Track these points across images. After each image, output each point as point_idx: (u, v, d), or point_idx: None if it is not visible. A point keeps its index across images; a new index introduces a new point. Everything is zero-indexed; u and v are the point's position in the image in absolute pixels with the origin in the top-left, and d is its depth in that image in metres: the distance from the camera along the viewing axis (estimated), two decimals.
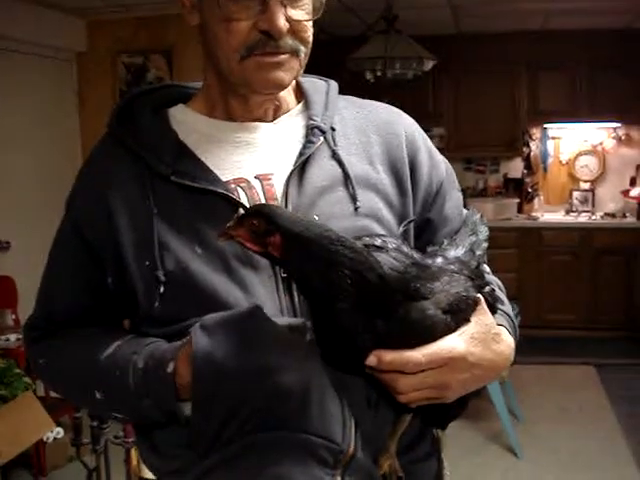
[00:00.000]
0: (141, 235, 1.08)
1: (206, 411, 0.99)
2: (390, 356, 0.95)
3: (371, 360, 0.95)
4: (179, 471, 1.06)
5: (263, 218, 0.93)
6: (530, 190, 6.61)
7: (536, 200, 6.60)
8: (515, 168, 6.72)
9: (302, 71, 1.13)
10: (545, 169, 6.68)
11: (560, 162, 6.66)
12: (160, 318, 1.08)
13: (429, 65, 4.49)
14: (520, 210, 6.52)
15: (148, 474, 1.19)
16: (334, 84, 1.24)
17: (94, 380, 1.11)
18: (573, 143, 6.60)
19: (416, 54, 4.35)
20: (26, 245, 4.15)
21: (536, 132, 6.60)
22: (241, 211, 0.94)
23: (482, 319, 1.03)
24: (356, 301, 0.92)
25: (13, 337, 3.88)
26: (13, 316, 4.25)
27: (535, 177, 6.66)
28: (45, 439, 3.65)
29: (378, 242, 1.02)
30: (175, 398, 1.03)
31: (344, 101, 1.23)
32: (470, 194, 6.55)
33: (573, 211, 6.49)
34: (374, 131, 1.19)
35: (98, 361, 1.09)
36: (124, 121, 1.15)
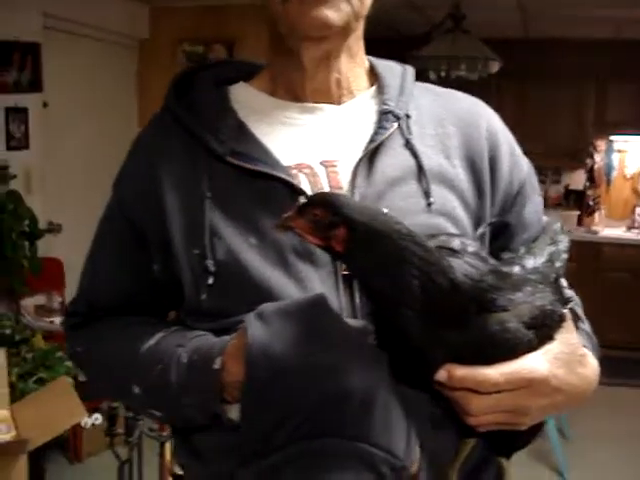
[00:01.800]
0: (191, 220, 0.99)
1: (258, 410, 0.89)
2: (463, 372, 0.84)
3: (441, 375, 0.84)
4: (220, 477, 0.95)
5: (327, 208, 0.82)
6: (591, 203, 6.42)
7: (597, 214, 6.40)
8: (577, 180, 6.54)
9: (358, 23, 1.03)
10: (608, 182, 6.47)
11: (625, 176, 6.45)
12: (207, 312, 0.99)
13: (495, 67, 4.35)
14: (580, 223, 6.33)
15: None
16: (411, 69, 1.13)
17: (132, 373, 1.02)
18: (639, 157, 6.37)
19: (483, 55, 4.21)
20: (76, 228, 4.13)
21: (601, 144, 6.40)
22: (302, 200, 0.84)
23: (568, 338, 0.92)
24: (424, 308, 0.82)
25: (58, 320, 3.86)
26: (60, 299, 4.24)
27: (597, 190, 6.46)
28: (83, 424, 3.63)
29: (456, 243, 0.91)
30: (220, 399, 0.93)
31: (421, 88, 1.12)
32: None
33: (635, 227, 6.26)
34: (453, 122, 1.08)
35: (138, 353, 1.01)
36: (182, 96, 1.06)
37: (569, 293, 1.09)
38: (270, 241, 0.96)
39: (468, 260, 0.87)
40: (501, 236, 1.09)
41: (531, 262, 0.98)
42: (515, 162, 1.10)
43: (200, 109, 1.04)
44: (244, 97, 1.07)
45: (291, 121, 1.05)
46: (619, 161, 6.44)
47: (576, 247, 5.33)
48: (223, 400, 0.93)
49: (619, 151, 6.41)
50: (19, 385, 3.28)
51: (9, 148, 3.92)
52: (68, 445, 3.77)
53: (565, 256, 1.05)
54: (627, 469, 3.89)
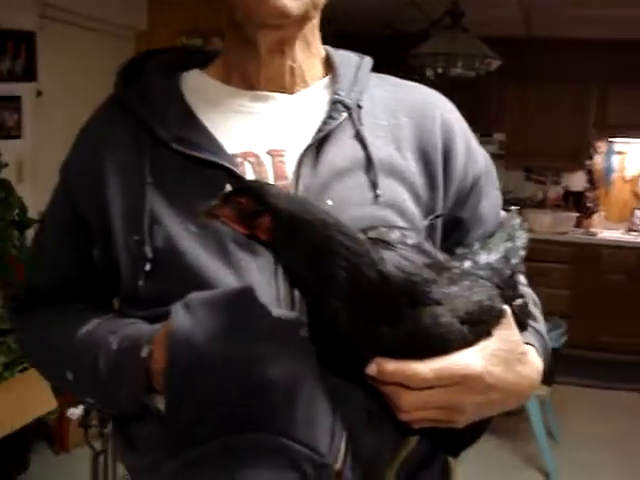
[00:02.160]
0: (131, 206, 0.97)
1: (180, 401, 0.87)
2: (393, 366, 0.82)
3: (371, 369, 0.82)
4: (151, 469, 0.94)
5: (252, 196, 0.81)
6: (590, 205, 6.38)
7: (596, 216, 6.37)
8: (577, 181, 6.50)
9: (316, 12, 1.01)
10: (608, 185, 6.43)
11: (624, 178, 6.41)
12: (144, 299, 0.97)
13: (494, 65, 4.33)
14: (578, 225, 6.28)
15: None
16: (368, 59, 1.11)
17: (66, 359, 1.02)
18: (639, 159, 6.33)
19: (481, 53, 4.19)
20: None
21: (601, 146, 6.36)
22: (228, 187, 0.83)
23: (507, 334, 0.89)
24: (352, 299, 0.79)
25: None
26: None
27: (597, 192, 6.43)
28: (69, 415, 3.62)
29: (395, 235, 0.89)
30: (146, 387, 0.92)
31: (377, 79, 1.10)
32: (528, 204, 6.34)
33: (634, 230, 6.21)
34: (406, 113, 1.06)
35: (72, 338, 1.00)
36: (131, 82, 1.05)
37: (525, 290, 1.07)
38: (210, 229, 0.94)
39: (403, 253, 0.85)
40: (455, 231, 1.07)
41: (484, 257, 0.96)
42: (470, 155, 1.08)
43: (147, 95, 1.02)
44: (197, 84, 1.06)
45: (242, 109, 1.03)
46: (619, 163, 6.39)
47: (574, 249, 5.33)
48: (152, 390, 0.92)
49: (619, 153, 6.36)
50: (5, 374, 3.28)
51: (1, 137, 3.91)
52: (54, 436, 3.76)
53: (522, 253, 1.02)
54: (616, 471, 3.86)
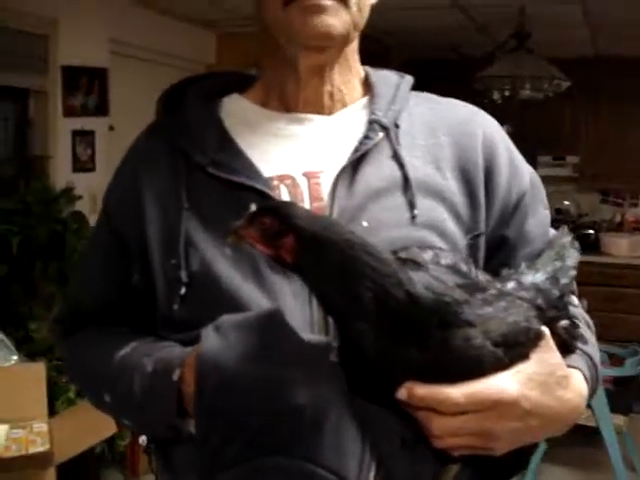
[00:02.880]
0: (169, 230, 0.99)
1: (208, 424, 0.87)
2: (423, 390, 0.79)
3: (401, 393, 0.80)
4: None
5: (276, 216, 0.80)
6: None
7: None
8: None
9: (356, 33, 1.02)
10: None
11: None
12: (179, 322, 0.98)
13: (563, 87, 4.26)
14: None
15: None
16: (409, 78, 1.10)
17: (104, 381, 1.03)
18: None
19: (548, 74, 4.12)
20: None
21: None
22: (253, 208, 0.82)
23: (545, 357, 0.85)
24: (379, 322, 0.77)
25: None
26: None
27: None
28: (141, 442, 3.67)
29: (428, 255, 0.87)
30: (177, 410, 0.92)
31: (418, 98, 1.09)
32: (606, 228, 6.17)
33: None
34: (446, 131, 1.04)
35: (110, 361, 1.01)
36: (172, 108, 1.07)
37: (575, 311, 1.03)
38: (245, 253, 0.94)
39: (434, 273, 0.83)
40: (501, 250, 1.04)
41: (529, 278, 0.93)
42: (515, 172, 1.05)
43: (186, 121, 1.04)
44: (235, 108, 1.07)
45: (279, 132, 1.04)
46: None
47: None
48: (184, 412, 0.92)
49: None
50: (76, 400, 3.36)
51: (75, 170, 4.04)
52: (125, 461, 3.81)
53: (573, 273, 0.98)
54: None
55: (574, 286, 1.03)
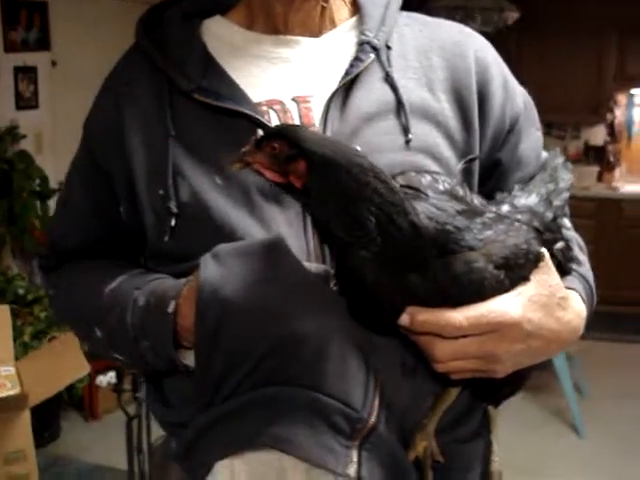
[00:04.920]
0: (155, 160, 0.95)
1: (208, 354, 0.85)
2: (425, 315, 0.79)
3: (403, 319, 0.80)
4: (183, 424, 0.93)
5: (286, 140, 0.77)
6: (612, 159, 6.29)
7: (617, 170, 6.28)
8: (597, 135, 6.40)
9: None
10: (629, 138, 6.33)
11: None
12: (170, 254, 0.96)
13: (512, 18, 4.25)
14: (600, 179, 6.21)
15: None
16: None
17: (94, 316, 1.00)
18: None
19: (498, 6, 4.11)
20: None
21: (622, 98, 6.26)
22: (260, 133, 0.79)
23: (545, 279, 0.85)
24: (381, 249, 0.77)
25: None
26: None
27: (618, 146, 6.33)
28: (98, 382, 3.66)
29: (426, 180, 0.87)
30: (174, 343, 0.90)
31: (407, 18, 1.05)
32: None
33: None
34: (438, 53, 1.01)
35: (100, 295, 0.98)
36: (151, 31, 1.02)
37: (569, 234, 1.03)
38: (236, 181, 0.92)
39: (434, 202, 0.82)
40: (494, 174, 1.04)
41: (523, 201, 0.93)
42: (508, 95, 1.04)
43: (168, 44, 1.00)
44: (218, 31, 1.03)
45: (266, 55, 1.00)
46: None
47: (596, 204, 5.27)
48: (179, 345, 0.91)
49: None
50: (33, 344, 3.32)
51: (18, 108, 3.91)
52: (84, 403, 3.81)
53: (566, 194, 0.98)
54: None
55: (567, 209, 1.03)
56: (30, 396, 2.25)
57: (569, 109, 6.08)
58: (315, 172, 0.77)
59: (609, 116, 6.25)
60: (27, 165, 3.65)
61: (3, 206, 3.49)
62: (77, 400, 3.73)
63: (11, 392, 2.19)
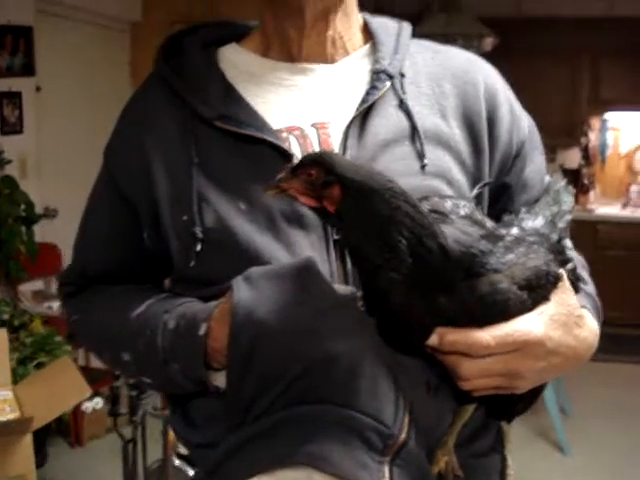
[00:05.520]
0: (179, 187, 0.97)
1: (241, 375, 0.87)
2: (453, 335, 0.82)
3: (432, 339, 0.83)
4: (210, 444, 0.95)
5: (322, 167, 0.81)
6: (586, 182, 6.39)
7: (592, 193, 6.38)
8: (572, 158, 6.50)
9: None
10: (603, 161, 6.45)
11: (619, 154, 6.43)
12: (196, 279, 0.98)
13: (489, 45, 4.34)
14: (575, 202, 6.27)
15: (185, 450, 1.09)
16: (407, 25, 1.09)
17: (122, 340, 1.02)
18: (633, 135, 6.35)
19: (477, 32, 4.19)
20: (72, 213, 4.11)
21: (595, 122, 6.38)
22: (296, 160, 0.82)
23: (564, 298, 0.89)
24: (411, 273, 0.80)
25: (56, 305, 3.85)
26: (56, 284, 4.22)
27: (592, 168, 6.44)
28: (84, 409, 3.63)
29: (448, 205, 0.90)
30: (204, 365, 0.92)
31: (418, 45, 1.08)
32: None
33: (630, 205, 6.24)
34: (449, 80, 1.04)
35: (127, 320, 1.00)
36: (170, 59, 1.04)
37: (572, 254, 1.06)
38: (259, 206, 0.94)
39: (459, 226, 0.86)
40: (502, 198, 1.07)
41: (530, 223, 0.96)
42: (515, 121, 1.07)
43: (187, 72, 1.02)
44: (234, 58, 1.05)
45: (282, 82, 1.03)
46: (613, 139, 6.41)
47: (572, 226, 5.30)
48: (209, 367, 0.93)
49: (613, 129, 6.38)
50: (19, 370, 3.29)
51: (3, 133, 3.89)
52: (69, 430, 3.77)
53: (569, 217, 1.02)
54: (626, 443, 3.90)
55: (569, 230, 1.06)
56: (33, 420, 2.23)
57: (544, 132, 6.00)
58: (349, 197, 0.80)
59: (583, 140, 6.35)
60: (12, 190, 3.63)
61: None
62: (63, 426, 3.69)
63: (10, 416, 2.17)
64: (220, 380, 0.92)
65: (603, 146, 6.43)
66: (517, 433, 3.59)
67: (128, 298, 1.04)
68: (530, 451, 3.75)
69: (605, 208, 6.27)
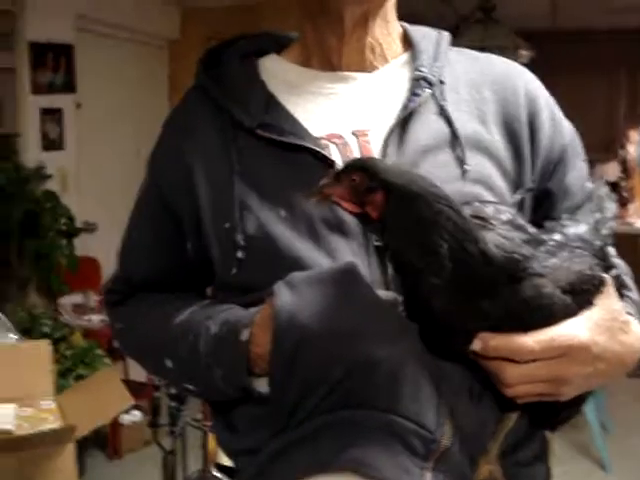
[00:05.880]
0: (220, 195, 0.98)
1: (285, 380, 0.87)
2: (497, 341, 0.81)
3: (476, 344, 0.82)
4: (253, 450, 0.94)
5: (365, 173, 0.81)
6: (625, 195, 6.31)
7: (631, 206, 6.29)
8: (610, 172, 6.41)
9: None
10: None
11: None
12: (238, 286, 0.98)
13: (526, 57, 4.32)
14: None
15: (225, 460, 1.09)
16: (446, 34, 1.10)
17: (165, 347, 1.02)
18: None
19: (514, 45, 4.18)
20: (112, 227, 4.17)
21: (634, 135, 6.30)
22: (338, 166, 0.82)
23: (609, 304, 0.87)
24: (452, 278, 0.79)
25: (96, 318, 3.90)
26: (96, 298, 4.28)
27: (631, 182, 6.35)
28: (122, 421, 3.67)
29: (489, 210, 0.90)
30: (247, 370, 0.92)
31: (457, 53, 1.08)
32: None
33: None
34: (489, 87, 1.04)
35: (170, 326, 1.01)
36: (211, 70, 1.06)
37: (616, 261, 1.05)
38: (300, 213, 0.94)
39: (501, 232, 0.85)
40: (544, 204, 1.06)
41: (572, 230, 0.95)
42: (556, 127, 1.07)
43: (228, 82, 1.03)
44: (274, 69, 1.06)
45: (322, 91, 1.03)
46: None
47: (612, 239, 5.24)
48: (252, 373, 0.93)
49: None
50: (59, 382, 3.33)
51: (45, 149, 3.98)
52: (107, 442, 3.80)
53: (612, 224, 1.01)
54: None
55: (612, 237, 1.05)
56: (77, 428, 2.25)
57: (584, 147, 6.10)
58: (393, 201, 0.80)
59: (621, 153, 6.29)
60: (54, 204, 3.70)
61: (31, 245, 3.53)
62: (101, 438, 3.73)
63: (53, 425, 2.20)
64: (262, 386, 0.92)
65: None
66: (558, 449, 3.52)
67: (171, 306, 1.05)
68: (571, 467, 3.68)
69: None
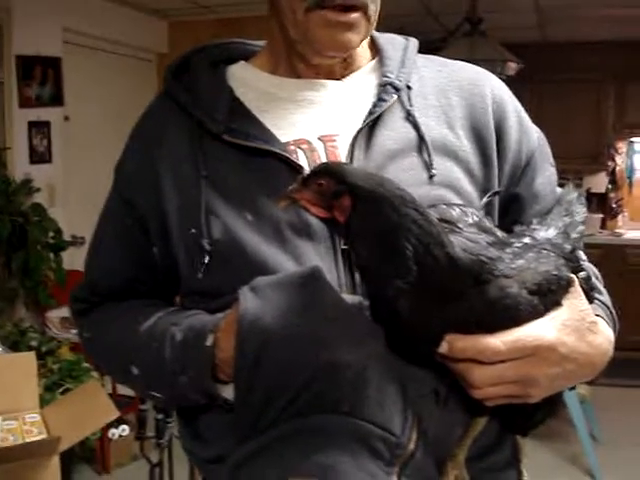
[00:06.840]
0: (187, 200, 0.98)
1: (248, 385, 0.87)
2: (463, 342, 0.81)
3: (442, 347, 0.81)
4: (219, 458, 0.94)
5: (332, 177, 0.81)
6: (614, 206, 6.34)
7: (620, 217, 6.33)
8: (599, 183, 6.46)
9: (372, 30, 1.02)
10: (630, 184, 6.40)
11: None
12: (204, 291, 0.98)
13: (513, 69, 4.34)
14: (603, 226, 6.25)
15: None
16: (414, 41, 1.11)
17: (130, 354, 1.02)
18: None
19: (502, 57, 4.20)
20: None
21: (622, 146, 6.34)
22: (306, 171, 0.83)
23: (576, 304, 0.87)
24: (418, 281, 0.79)
25: None
26: None
27: (620, 192, 6.39)
28: (110, 436, 3.65)
29: (456, 212, 0.90)
30: (212, 377, 0.92)
31: (425, 59, 1.09)
32: None
33: None
34: (456, 92, 1.05)
35: (136, 333, 1.01)
36: (180, 77, 1.06)
37: (586, 265, 1.06)
38: (267, 217, 0.94)
39: (467, 234, 0.86)
40: (512, 209, 1.07)
41: (542, 233, 0.95)
42: (523, 132, 1.07)
43: (195, 88, 1.03)
44: (243, 75, 1.06)
45: (290, 97, 1.04)
46: None
47: (601, 250, 5.25)
48: (217, 379, 0.93)
49: None
50: (46, 396, 3.31)
51: (32, 162, 3.97)
52: (95, 456, 3.78)
53: (582, 228, 1.01)
54: None
55: (582, 242, 1.05)
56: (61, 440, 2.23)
57: (570, 157, 6.12)
58: (359, 205, 0.80)
59: (610, 164, 6.32)
60: (41, 218, 3.70)
61: (18, 258, 3.52)
62: (89, 453, 3.70)
63: (38, 438, 2.18)
64: (228, 392, 0.92)
65: (630, 170, 6.39)
66: (548, 459, 3.52)
67: (138, 313, 1.05)
68: (561, 478, 3.68)
69: (634, 232, 6.20)
